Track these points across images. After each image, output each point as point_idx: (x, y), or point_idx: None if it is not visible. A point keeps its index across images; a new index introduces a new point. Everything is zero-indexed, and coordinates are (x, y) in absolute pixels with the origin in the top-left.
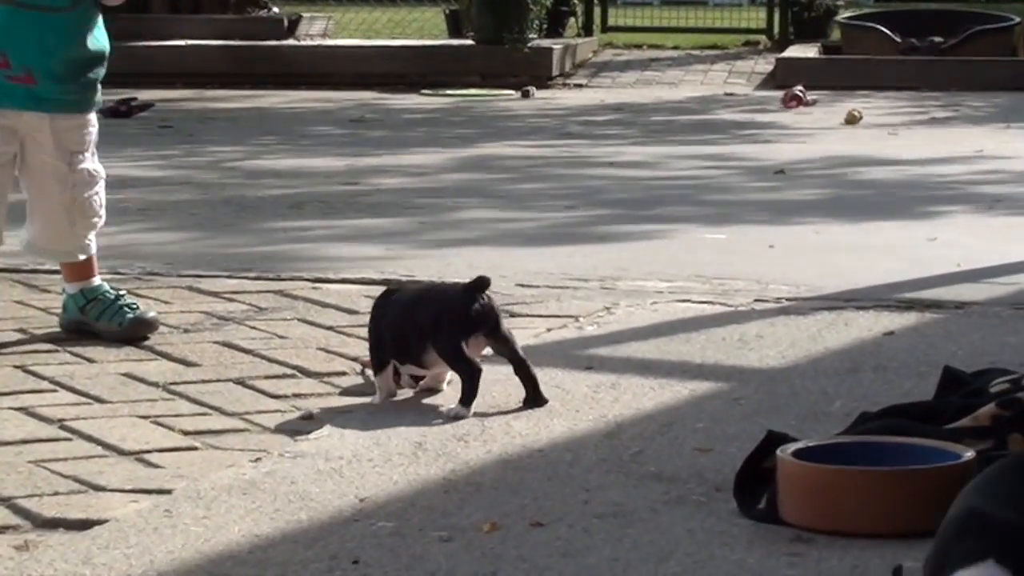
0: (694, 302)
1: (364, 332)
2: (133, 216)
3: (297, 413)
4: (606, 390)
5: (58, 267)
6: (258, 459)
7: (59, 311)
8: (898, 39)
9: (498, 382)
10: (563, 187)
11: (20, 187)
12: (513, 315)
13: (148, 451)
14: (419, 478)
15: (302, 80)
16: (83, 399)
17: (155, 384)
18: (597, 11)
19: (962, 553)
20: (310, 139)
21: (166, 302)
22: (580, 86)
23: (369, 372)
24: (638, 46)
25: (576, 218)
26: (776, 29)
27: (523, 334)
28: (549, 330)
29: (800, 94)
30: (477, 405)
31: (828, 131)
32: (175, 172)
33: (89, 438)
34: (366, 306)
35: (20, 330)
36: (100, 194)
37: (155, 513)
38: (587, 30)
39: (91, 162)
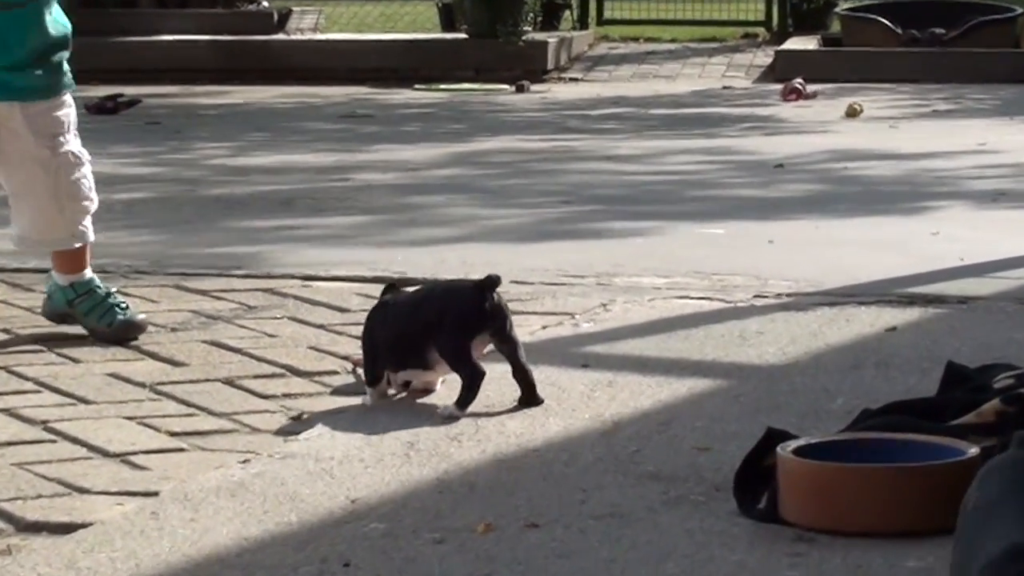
0: (692, 298)
1: (356, 330)
2: (119, 214)
3: (287, 413)
4: (603, 388)
5: (43, 265)
6: (247, 460)
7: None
8: (899, 31)
9: (493, 380)
10: (559, 182)
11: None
12: None
13: (134, 452)
14: (412, 479)
15: (292, 75)
16: (68, 400)
17: (141, 384)
18: (593, 3)
19: None
20: (300, 135)
21: (153, 301)
22: (576, 80)
23: (360, 371)
24: (635, 39)
25: (572, 213)
26: (775, 21)
27: (518, 332)
28: (545, 327)
29: (800, 87)
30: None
31: (828, 124)
32: (162, 169)
33: (74, 440)
34: (358, 304)
35: (4, 330)
36: (88, 177)
37: (141, 516)
38: (582, 23)
39: (74, 144)
